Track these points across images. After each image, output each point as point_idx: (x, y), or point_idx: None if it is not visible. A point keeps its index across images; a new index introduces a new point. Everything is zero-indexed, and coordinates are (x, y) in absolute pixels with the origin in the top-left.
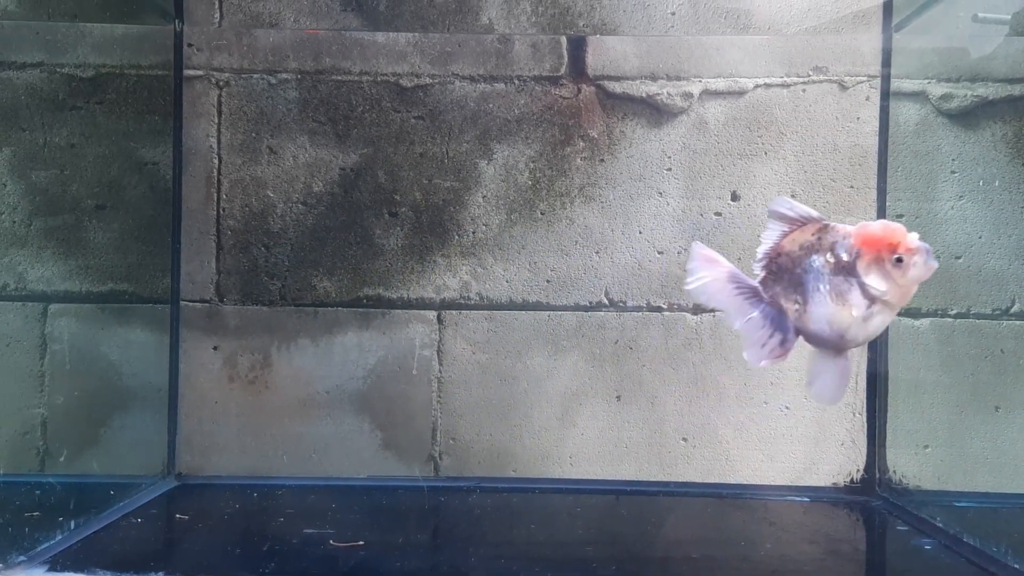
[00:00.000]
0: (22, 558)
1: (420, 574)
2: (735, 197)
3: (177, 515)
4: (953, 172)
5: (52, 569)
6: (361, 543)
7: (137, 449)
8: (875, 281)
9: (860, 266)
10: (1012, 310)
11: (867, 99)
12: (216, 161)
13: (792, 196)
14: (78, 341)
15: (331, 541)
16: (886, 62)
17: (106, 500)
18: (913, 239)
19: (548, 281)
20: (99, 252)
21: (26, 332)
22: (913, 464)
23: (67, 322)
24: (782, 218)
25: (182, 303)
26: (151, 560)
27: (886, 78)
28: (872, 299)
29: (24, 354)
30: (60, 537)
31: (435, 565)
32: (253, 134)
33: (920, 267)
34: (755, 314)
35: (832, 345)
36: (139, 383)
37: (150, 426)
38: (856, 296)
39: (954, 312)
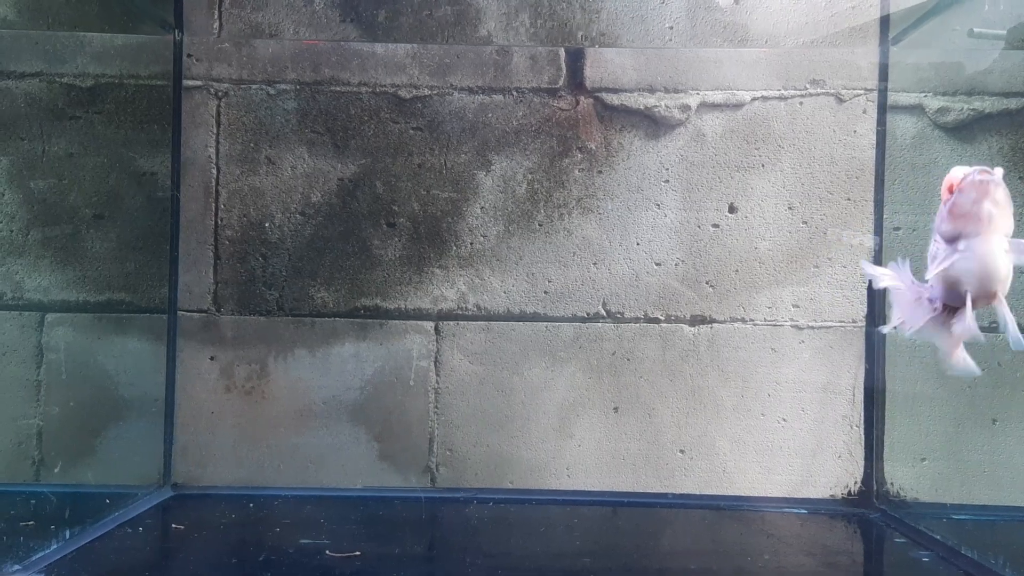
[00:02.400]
0: (17, 567)
1: None
2: (732, 209)
3: (173, 525)
4: None
5: None
6: (358, 554)
7: (133, 459)
8: (941, 224)
9: (937, 221)
10: None
11: (864, 112)
12: (214, 171)
13: (790, 208)
14: (75, 351)
15: (327, 552)
16: (883, 75)
17: (101, 509)
18: (966, 170)
19: (546, 292)
20: (97, 262)
21: (23, 341)
22: (910, 477)
23: (64, 331)
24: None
25: (179, 313)
26: (146, 570)
27: (883, 91)
28: (950, 241)
29: (20, 363)
30: (55, 546)
31: None
32: (252, 144)
33: (967, 189)
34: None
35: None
36: (136, 393)
37: (146, 436)
38: (941, 249)
39: None
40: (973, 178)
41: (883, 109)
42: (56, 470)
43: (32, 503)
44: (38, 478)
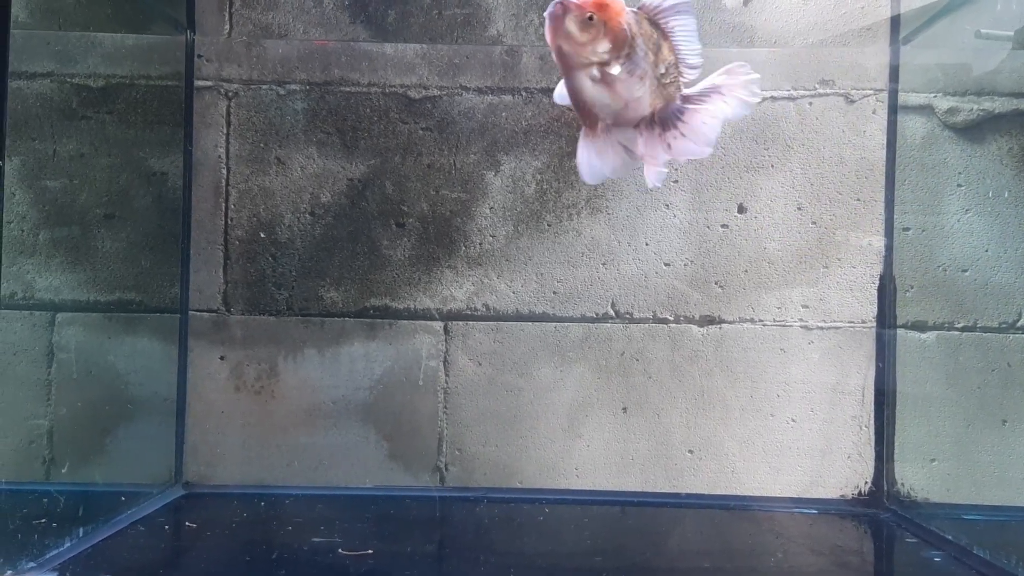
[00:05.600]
0: (31, 564)
1: None
2: (742, 209)
3: (186, 523)
4: (959, 186)
5: None
6: (370, 552)
7: (144, 458)
8: None
9: None
10: (1019, 323)
11: (874, 112)
12: (224, 171)
13: (799, 209)
14: (85, 350)
15: (340, 550)
16: (893, 76)
17: (114, 508)
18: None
19: (555, 292)
20: (107, 261)
21: (34, 341)
22: (921, 477)
23: (75, 331)
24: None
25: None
26: (159, 568)
27: (893, 92)
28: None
29: (31, 363)
30: (69, 544)
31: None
32: (261, 144)
33: (545, 24)
34: None
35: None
36: (146, 392)
37: (157, 435)
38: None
39: (960, 325)
40: (547, 12)
41: (893, 109)
42: (63, 470)
43: (45, 501)
44: (49, 477)
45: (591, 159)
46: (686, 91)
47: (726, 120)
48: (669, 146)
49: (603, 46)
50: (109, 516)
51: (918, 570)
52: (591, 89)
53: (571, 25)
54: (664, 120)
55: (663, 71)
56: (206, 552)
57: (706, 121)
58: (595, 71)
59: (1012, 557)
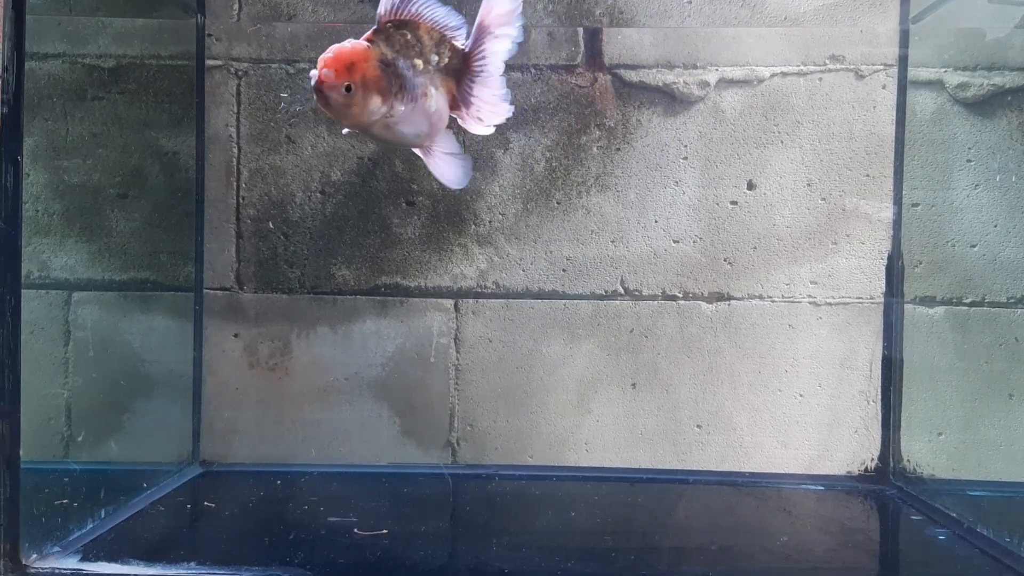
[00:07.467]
0: (56, 548)
1: (444, 564)
2: (751, 186)
3: (205, 503)
4: (969, 161)
5: (85, 559)
6: (385, 532)
7: (161, 436)
8: None
9: None
10: None
11: (883, 88)
12: (235, 150)
13: (808, 185)
14: (101, 328)
15: (356, 530)
16: (903, 51)
17: (134, 488)
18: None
19: (564, 270)
20: (121, 240)
21: (50, 319)
22: (927, 452)
23: (90, 310)
24: None
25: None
26: (182, 549)
27: (903, 67)
28: None
29: (48, 341)
30: (91, 526)
31: (459, 555)
32: (272, 123)
33: None
34: None
35: None
36: (162, 370)
37: (174, 413)
38: None
39: (969, 300)
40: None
41: (903, 84)
42: (79, 438)
43: (65, 481)
44: (67, 455)
45: (440, 174)
46: (465, 51)
47: (504, 55)
48: (480, 119)
49: (375, 102)
50: (130, 496)
51: (922, 549)
52: (392, 134)
53: (337, 104)
54: (464, 100)
55: (436, 57)
56: (226, 533)
57: (489, 78)
58: (385, 121)
59: (1016, 535)
